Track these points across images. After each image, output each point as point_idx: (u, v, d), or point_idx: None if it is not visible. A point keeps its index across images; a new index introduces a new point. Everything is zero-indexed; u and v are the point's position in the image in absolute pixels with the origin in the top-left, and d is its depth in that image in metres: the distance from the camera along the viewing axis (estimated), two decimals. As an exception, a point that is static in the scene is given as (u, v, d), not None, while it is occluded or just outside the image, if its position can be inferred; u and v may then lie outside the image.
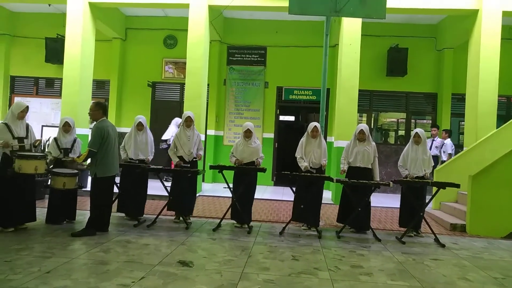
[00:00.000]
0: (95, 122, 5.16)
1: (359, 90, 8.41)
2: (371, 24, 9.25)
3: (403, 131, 10.85)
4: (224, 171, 5.91)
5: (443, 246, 5.40)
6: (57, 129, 5.86)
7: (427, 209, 6.46)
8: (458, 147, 10.09)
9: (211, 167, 6.15)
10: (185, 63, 8.82)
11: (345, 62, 8.36)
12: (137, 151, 6.16)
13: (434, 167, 7.17)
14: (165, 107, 11.06)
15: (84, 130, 8.60)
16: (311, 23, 10.33)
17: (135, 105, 10.92)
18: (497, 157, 6.44)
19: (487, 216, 6.26)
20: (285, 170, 6.04)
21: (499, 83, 8.05)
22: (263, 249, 4.83)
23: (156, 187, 6.63)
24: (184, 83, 9.07)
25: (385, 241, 5.52)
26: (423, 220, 5.83)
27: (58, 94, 10.60)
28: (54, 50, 10.32)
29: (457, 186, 5.60)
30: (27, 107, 5.27)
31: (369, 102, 10.73)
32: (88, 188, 5.83)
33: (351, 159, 6.02)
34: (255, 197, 6.21)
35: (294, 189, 6.01)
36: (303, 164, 5.98)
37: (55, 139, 5.66)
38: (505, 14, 8.07)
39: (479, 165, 6.63)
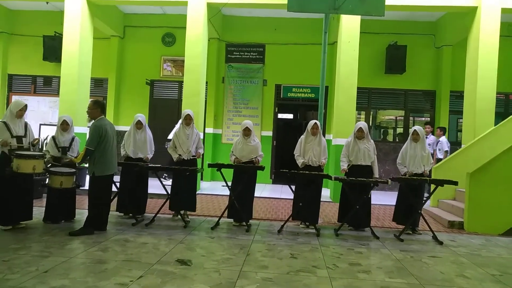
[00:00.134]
0: (93, 121, 5.15)
1: (358, 88, 8.41)
2: (370, 22, 9.23)
3: (402, 129, 10.86)
4: (222, 169, 5.90)
5: (441, 243, 5.41)
6: (55, 127, 5.85)
7: (425, 206, 6.45)
8: (456, 144, 10.12)
9: (210, 165, 6.14)
10: (183, 61, 8.81)
11: (343, 59, 8.35)
12: (136, 150, 6.14)
13: None
14: (164, 105, 11.05)
15: (82, 128, 8.58)
16: (310, 21, 10.31)
17: (133, 103, 10.91)
18: (495, 155, 6.46)
19: (485, 213, 6.27)
20: (284, 168, 6.04)
21: (498, 80, 8.06)
22: (261, 247, 4.83)
23: (154, 186, 6.62)
24: (182, 81, 9.06)
25: (383, 239, 5.53)
26: (420, 217, 5.84)
27: (56, 93, 10.58)
28: (52, 48, 10.29)
29: (455, 183, 5.61)
30: (26, 105, 5.26)
31: (367, 99, 10.73)
32: (86, 187, 5.82)
33: (352, 157, 6.01)
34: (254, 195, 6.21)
35: (293, 187, 6.00)
36: (300, 160, 6.01)
37: (53, 137, 5.64)
38: (504, 11, 8.06)
39: (477, 163, 6.64)
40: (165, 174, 9.38)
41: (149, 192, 6.44)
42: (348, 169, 6.01)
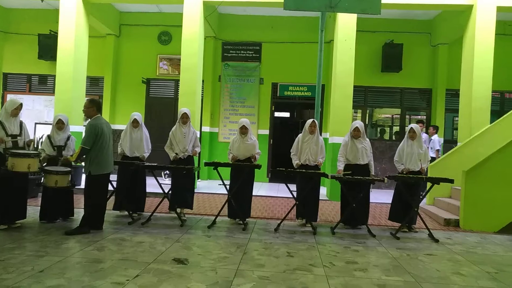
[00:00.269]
0: (89, 119, 5.12)
1: (354, 86, 8.41)
2: (366, 20, 9.24)
3: (398, 127, 10.88)
4: (219, 168, 5.90)
5: (437, 241, 5.43)
6: (50, 126, 5.82)
7: (421, 204, 6.48)
8: (452, 142, 10.17)
9: (206, 164, 6.13)
10: (179, 60, 8.78)
11: (340, 58, 8.35)
12: (133, 148, 6.13)
13: None
14: (160, 103, 11.03)
15: (78, 127, 8.55)
16: (306, 19, 10.31)
17: (129, 102, 10.87)
18: (490, 153, 6.48)
19: (480, 211, 6.30)
20: (281, 167, 6.04)
21: (493, 79, 8.08)
22: (258, 245, 4.83)
23: (151, 185, 6.60)
24: (178, 80, 9.03)
25: (380, 237, 5.54)
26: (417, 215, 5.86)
27: (51, 91, 10.52)
28: (47, 47, 10.24)
29: (451, 181, 5.63)
30: (21, 104, 5.23)
31: (364, 98, 10.74)
32: (82, 185, 5.79)
33: (350, 157, 6.02)
34: (251, 193, 6.21)
35: (290, 186, 5.99)
36: (295, 161, 6.03)
37: (49, 136, 5.61)
38: (500, 9, 8.08)
39: (472, 161, 6.67)
40: (166, 172, 9.39)
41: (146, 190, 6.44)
42: (347, 169, 6.02)
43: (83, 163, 5.27)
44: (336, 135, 8.15)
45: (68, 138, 5.68)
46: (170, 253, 4.34)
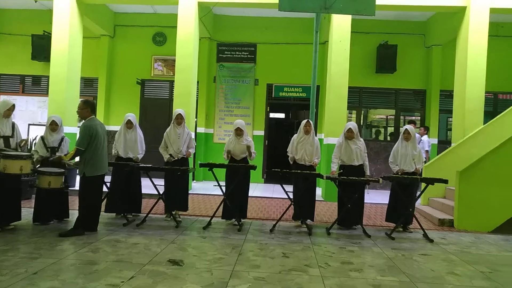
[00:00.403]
0: (83, 121, 5.09)
1: (349, 87, 8.44)
2: (360, 21, 9.28)
3: (392, 128, 10.93)
4: (214, 169, 5.88)
5: (431, 241, 5.46)
6: (44, 127, 5.77)
7: (416, 205, 6.50)
8: (446, 143, 10.23)
9: (201, 165, 6.12)
10: (174, 60, 8.76)
11: (334, 59, 8.38)
12: (127, 149, 6.11)
13: None
14: (155, 104, 10.99)
15: (72, 128, 8.49)
16: (301, 20, 10.33)
17: (124, 103, 10.83)
18: (484, 153, 6.52)
19: (474, 211, 6.34)
20: (276, 168, 6.04)
21: (486, 80, 8.14)
22: (253, 246, 4.82)
23: (146, 186, 6.57)
24: (173, 81, 9.01)
25: (375, 237, 5.56)
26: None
27: (45, 92, 10.44)
28: (41, 47, 10.17)
29: (445, 182, 5.66)
30: (13, 105, 5.19)
31: (358, 99, 10.78)
32: (76, 187, 5.76)
33: (345, 158, 6.03)
34: (246, 194, 6.21)
35: (285, 187, 5.99)
36: (290, 156, 6.07)
37: (42, 137, 5.56)
38: (493, 11, 8.15)
39: (466, 161, 6.71)
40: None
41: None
42: (342, 170, 6.03)
43: (71, 162, 5.24)
44: (331, 136, 8.17)
45: (62, 140, 5.64)
46: (165, 254, 4.32)
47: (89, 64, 10.42)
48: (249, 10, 10.11)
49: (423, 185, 5.89)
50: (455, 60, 8.74)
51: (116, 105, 10.89)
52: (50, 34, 8.87)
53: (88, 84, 11.03)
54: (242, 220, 6.00)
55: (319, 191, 8.91)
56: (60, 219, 5.63)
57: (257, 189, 9.47)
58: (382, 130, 11.30)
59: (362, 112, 11.02)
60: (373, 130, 11.36)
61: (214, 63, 10.88)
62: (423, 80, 10.63)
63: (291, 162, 6.11)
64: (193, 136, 6.70)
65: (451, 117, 9.02)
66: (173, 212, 6.03)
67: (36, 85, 11.15)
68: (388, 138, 10.92)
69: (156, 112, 10.88)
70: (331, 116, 8.36)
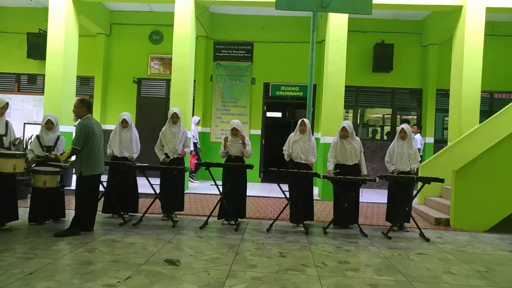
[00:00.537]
0: (79, 120, 5.06)
1: (346, 86, 8.44)
2: (357, 20, 9.29)
3: (389, 127, 10.95)
4: (211, 168, 5.87)
5: (427, 240, 5.47)
6: (39, 126, 5.74)
7: (412, 204, 6.52)
8: (442, 142, 10.27)
9: (198, 164, 6.10)
10: (171, 59, 8.73)
11: (331, 58, 8.38)
12: (122, 149, 6.09)
13: None
14: (151, 103, 10.96)
15: (68, 127, 8.46)
16: (298, 19, 10.32)
17: (120, 101, 10.79)
18: (480, 152, 6.55)
19: (470, 210, 6.36)
20: (273, 167, 6.04)
21: (482, 79, 8.17)
22: (250, 246, 4.82)
23: (142, 185, 6.55)
24: (170, 79, 8.98)
25: (372, 237, 5.57)
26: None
27: (41, 91, 10.38)
28: (36, 46, 10.11)
29: (441, 181, 5.68)
30: (7, 103, 5.16)
31: (355, 98, 10.79)
32: (72, 186, 5.73)
33: (339, 157, 6.04)
34: (243, 193, 6.20)
35: (282, 186, 5.98)
36: (286, 153, 6.07)
37: (37, 137, 5.53)
38: (489, 10, 8.18)
39: (462, 160, 6.73)
40: (193, 174, 9.53)
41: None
42: (335, 168, 6.04)
43: (68, 162, 5.21)
44: (328, 135, 8.18)
45: (57, 139, 5.61)
46: (162, 254, 4.31)
47: (85, 63, 10.36)
48: (246, 8, 10.09)
49: (419, 184, 5.89)
50: (451, 59, 8.76)
51: (112, 104, 10.85)
52: (46, 32, 8.82)
53: (84, 82, 10.97)
54: (239, 220, 5.99)
55: (316, 190, 8.92)
56: (56, 219, 5.61)
57: (254, 189, 9.47)
58: (379, 129, 11.33)
59: (359, 111, 11.04)
60: (370, 129, 11.38)
61: (211, 61, 10.86)
62: (419, 79, 10.66)
63: (287, 159, 6.09)
64: (189, 135, 6.69)
65: (447, 116, 9.05)
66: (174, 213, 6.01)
67: (32, 83, 11.09)
68: (385, 137, 10.95)
69: (153, 111, 10.85)
70: (328, 115, 8.37)
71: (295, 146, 6.02)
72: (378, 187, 10.14)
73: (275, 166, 6.08)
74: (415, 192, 6.04)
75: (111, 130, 6.34)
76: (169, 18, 9.07)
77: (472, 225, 6.32)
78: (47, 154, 5.36)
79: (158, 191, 5.91)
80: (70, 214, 5.46)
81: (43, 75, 8.99)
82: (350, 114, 10.94)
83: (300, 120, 6.11)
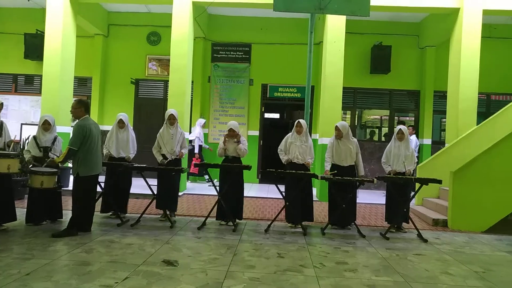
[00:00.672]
0: (77, 120, 5.05)
1: (343, 88, 8.46)
2: (355, 22, 9.31)
3: (387, 128, 10.97)
4: (208, 169, 5.87)
5: (425, 241, 5.48)
6: (37, 127, 5.72)
7: (410, 205, 6.53)
8: (440, 143, 10.29)
9: (196, 165, 6.10)
10: (169, 60, 8.71)
11: (329, 59, 8.39)
12: (118, 149, 6.08)
13: None
14: (149, 104, 10.94)
15: (65, 128, 8.43)
16: (296, 21, 10.34)
17: (118, 102, 10.77)
18: (477, 153, 6.57)
19: (468, 211, 6.38)
20: (271, 168, 6.03)
21: (479, 81, 8.20)
22: (248, 247, 4.81)
23: (140, 186, 6.55)
24: (168, 80, 8.97)
25: (370, 237, 5.57)
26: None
27: (38, 91, 10.35)
28: (34, 46, 10.07)
29: (439, 182, 5.69)
30: (2, 104, 5.15)
31: (353, 99, 10.81)
32: (70, 187, 5.71)
33: (335, 158, 6.05)
34: (241, 194, 6.19)
35: (280, 187, 5.98)
36: (283, 157, 6.05)
37: (34, 137, 5.51)
38: (485, 12, 8.21)
39: (460, 162, 6.75)
40: (207, 178, 9.48)
41: (133, 192, 6.36)
42: (332, 169, 6.04)
43: (70, 164, 5.18)
44: (326, 136, 8.18)
45: (54, 139, 5.58)
46: (159, 255, 4.30)
47: (83, 63, 10.34)
48: (244, 10, 10.10)
49: (417, 185, 5.90)
50: (448, 61, 8.80)
51: (110, 104, 10.82)
52: (43, 32, 8.79)
53: (81, 83, 10.95)
54: (237, 221, 5.99)
55: (314, 191, 8.92)
56: (53, 220, 5.58)
57: (252, 189, 9.46)
58: (377, 130, 11.35)
59: (357, 112, 11.06)
60: (368, 130, 11.40)
61: (209, 63, 10.86)
62: (417, 81, 10.69)
63: (285, 163, 6.07)
64: (186, 136, 6.68)
65: (445, 118, 9.08)
66: (168, 212, 5.99)
67: (29, 84, 11.05)
68: (383, 139, 10.96)
69: (151, 112, 10.84)
70: (326, 116, 8.38)
71: (292, 147, 6.02)
72: (375, 188, 10.15)
73: (273, 167, 6.07)
74: (412, 193, 6.04)
75: (109, 131, 6.33)
76: (167, 19, 9.06)
77: (470, 226, 6.34)
78: (45, 161, 5.32)
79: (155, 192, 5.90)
80: (67, 214, 5.44)
81: (40, 76, 8.97)
82: (348, 116, 10.96)
83: (296, 121, 6.12)
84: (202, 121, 10.06)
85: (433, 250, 5.08)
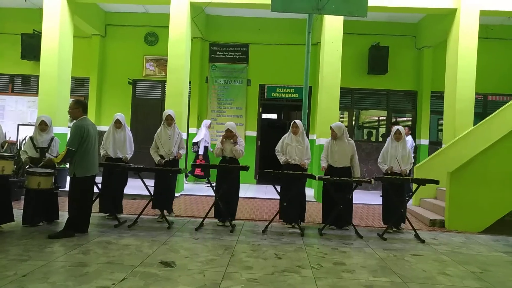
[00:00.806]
0: (75, 121, 5.03)
1: (341, 88, 8.46)
2: (352, 22, 9.32)
3: (384, 129, 10.99)
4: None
5: (423, 241, 5.49)
6: (34, 128, 5.69)
7: (407, 205, 6.56)
8: (437, 144, 10.32)
9: (193, 166, 6.10)
10: (166, 61, 8.71)
11: (327, 60, 8.40)
12: (116, 149, 6.07)
13: None
14: (146, 105, 10.92)
15: (62, 129, 8.40)
16: (294, 21, 10.34)
17: (115, 103, 10.74)
18: (474, 154, 6.59)
19: (465, 211, 6.39)
20: (268, 168, 6.03)
21: (476, 81, 8.23)
22: (246, 247, 4.81)
23: (137, 186, 6.53)
24: (165, 81, 8.96)
25: (367, 238, 5.57)
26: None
27: (35, 92, 10.32)
28: (31, 46, 10.06)
29: (436, 182, 5.70)
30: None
31: (350, 99, 10.83)
32: (67, 188, 5.69)
33: (329, 159, 6.07)
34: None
35: (277, 187, 5.99)
36: (281, 157, 6.05)
37: (31, 138, 5.49)
38: (483, 13, 8.24)
39: (457, 162, 6.77)
40: (207, 179, 9.53)
41: (131, 193, 6.35)
42: (327, 170, 6.05)
43: (67, 165, 5.17)
44: (323, 137, 8.18)
45: (51, 140, 5.56)
46: (157, 256, 4.29)
47: (80, 64, 10.31)
48: (242, 10, 10.10)
49: (414, 185, 5.91)
50: (445, 61, 8.82)
51: (107, 105, 10.80)
52: (40, 33, 8.77)
53: (79, 84, 10.92)
54: (234, 221, 5.98)
55: (311, 192, 8.93)
56: (49, 221, 5.56)
57: (250, 190, 9.46)
58: (374, 131, 11.36)
59: (354, 113, 11.07)
60: (365, 131, 11.42)
61: (207, 63, 10.85)
62: (414, 81, 10.71)
63: (283, 164, 6.08)
64: (184, 137, 6.67)
65: (442, 118, 9.10)
66: (165, 213, 5.99)
67: (26, 84, 11.02)
68: (380, 139, 10.98)
69: (148, 113, 10.82)
70: (323, 117, 8.38)
71: (289, 148, 6.02)
72: (373, 188, 10.16)
73: (271, 168, 6.07)
74: (410, 193, 6.05)
75: (106, 131, 6.32)
76: (164, 20, 9.05)
77: (467, 227, 6.35)
78: (42, 160, 5.30)
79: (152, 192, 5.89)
80: (64, 215, 5.42)
81: (37, 76, 8.95)
82: (346, 116, 10.98)
83: (292, 121, 6.13)
84: (208, 122, 10.01)
85: (431, 250, 5.09)
